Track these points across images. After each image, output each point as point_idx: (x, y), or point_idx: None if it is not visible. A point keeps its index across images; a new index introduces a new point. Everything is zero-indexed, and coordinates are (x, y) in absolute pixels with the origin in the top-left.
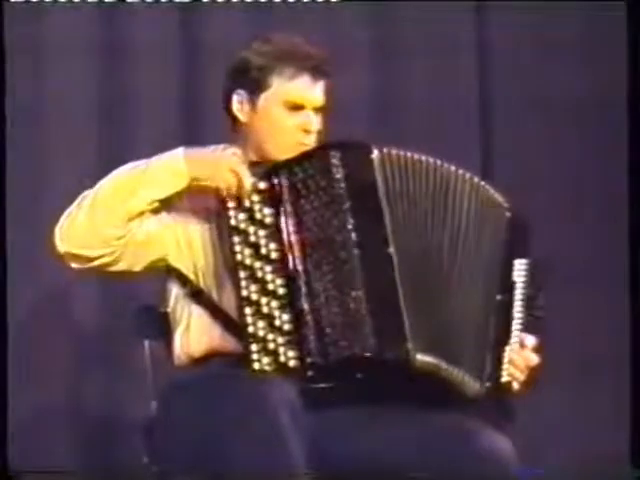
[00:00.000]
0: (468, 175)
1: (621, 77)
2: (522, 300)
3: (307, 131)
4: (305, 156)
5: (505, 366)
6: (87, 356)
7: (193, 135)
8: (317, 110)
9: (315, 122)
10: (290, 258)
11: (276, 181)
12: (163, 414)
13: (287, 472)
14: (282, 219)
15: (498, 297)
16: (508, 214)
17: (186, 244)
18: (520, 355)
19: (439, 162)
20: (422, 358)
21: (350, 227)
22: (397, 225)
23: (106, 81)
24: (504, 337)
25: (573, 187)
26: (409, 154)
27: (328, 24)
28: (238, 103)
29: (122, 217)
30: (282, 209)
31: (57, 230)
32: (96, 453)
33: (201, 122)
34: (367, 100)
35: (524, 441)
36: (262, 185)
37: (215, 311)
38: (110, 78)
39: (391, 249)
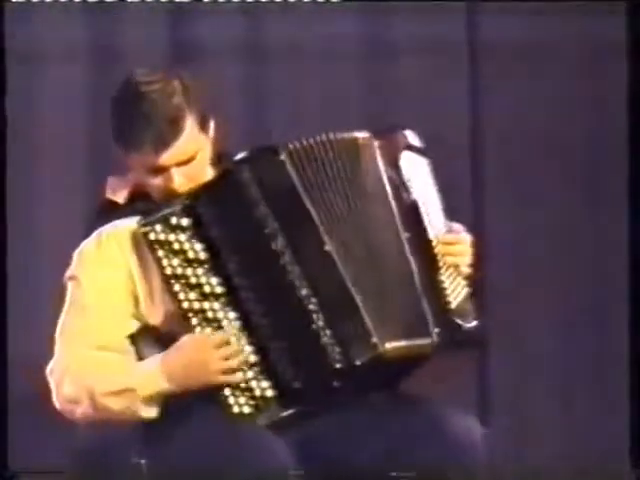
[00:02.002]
0: (351, 135)
1: (621, 79)
2: (430, 214)
3: (172, 190)
4: (217, 180)
5: (448, 291)
6: None
7: None
8: (184, 162)
9: (178, 179)
10: (235, 289)
11: (197, 214)
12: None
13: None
14: (215, 251)
15: (406, 235)
16: (377, 142)
17: (142, 298)
18: (454, 242)
19: (345, 135)
20: (391, 345)
21: (283, 243)
22: (327, 218)
23: (105, 82)
24: (433, 267)
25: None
26: (316, 139)
27: (320, 23)
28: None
29: None
30: (212, 241)
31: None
32: (95, 453)
33: None
34: (355, 100)
35: (524, 441)
36: (185, 222)
37: None
38: (109, 79)
39: (328, 247)
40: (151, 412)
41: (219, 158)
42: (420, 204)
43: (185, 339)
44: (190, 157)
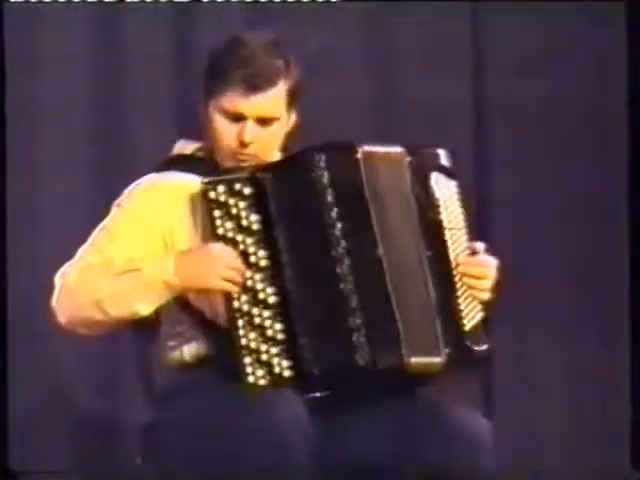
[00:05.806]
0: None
1: (621, 78)
2: (454, 236)
3: (242, 143)
4: (289, 160)
5: (463, 314)
6: (87, 356)
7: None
8: (262, 121)
9: (251, 133)
10: (280, 266)
11: (261, 186)
12: (163, 416)
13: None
14: (270, 225)
15: (428, 253)
16: (408, 159)
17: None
18: (474, 264)
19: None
20: (417, 361)
21: (339, 233)
22: (383, 225)
23: (104, 83)
24: (451, 288)
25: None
26: (388, 150)
27: (325, 23)
28: (201, 107)
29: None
30: (269, 215)
31: (54, 304)
32: (95, 453)
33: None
34: (363, 100)
35: (524, 441)
36: (247, 191)
37: (204, 320)
38: (109, 80)
39: (380, 251)
40: (146, 308)
41: (284, 149)
42: (445, 224)
43: (205, 245)
44: (271, 118)
